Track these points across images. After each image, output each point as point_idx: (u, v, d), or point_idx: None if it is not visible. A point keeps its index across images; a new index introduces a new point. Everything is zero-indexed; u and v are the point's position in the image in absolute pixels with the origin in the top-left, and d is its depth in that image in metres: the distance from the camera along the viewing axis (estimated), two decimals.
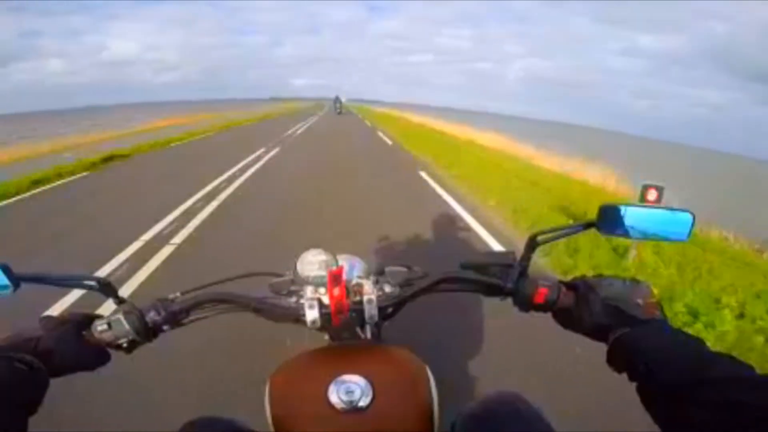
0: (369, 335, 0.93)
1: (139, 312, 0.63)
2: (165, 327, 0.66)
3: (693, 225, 0.60)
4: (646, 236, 0.61)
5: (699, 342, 0.51)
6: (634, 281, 0.62)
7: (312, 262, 0.70)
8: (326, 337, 0.83)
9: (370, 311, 0.69)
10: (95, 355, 0.62)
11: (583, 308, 0.62)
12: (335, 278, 0.66)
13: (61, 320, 0.61)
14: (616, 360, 0.56)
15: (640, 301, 0.59)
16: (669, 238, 0.61)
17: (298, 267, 0.70)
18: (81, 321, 0.62)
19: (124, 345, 0.63)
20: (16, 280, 0.56)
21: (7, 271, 0.55)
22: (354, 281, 0.74)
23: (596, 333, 0.61)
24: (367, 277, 0.79)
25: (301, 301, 0.70)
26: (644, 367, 0.50)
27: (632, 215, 0.60)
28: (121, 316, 0.61)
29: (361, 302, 0.70)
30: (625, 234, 0.61)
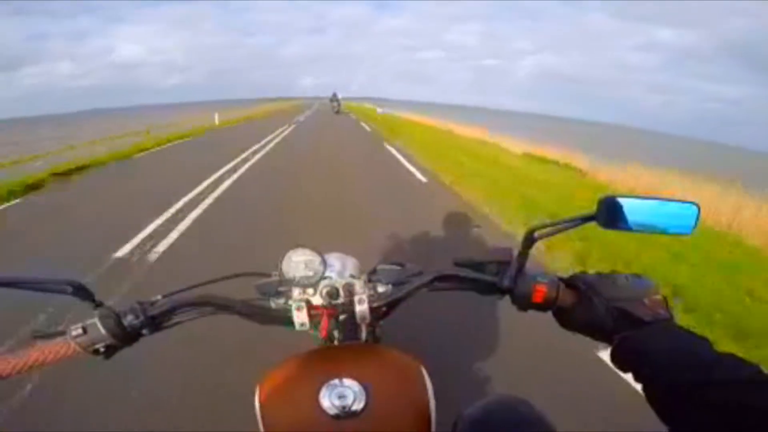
0: (364, 335, 0.90)
1: (116, 315, 0.61)
2: (145, 331, 0.63)
3: (698, 217, 0.57)
4: (647, 229, 0.58)
5: (705, 342, 0.50)
6: (637, 277, 0.60)
7: (298, 262, 0.67)
8: (318, 340, 0.80)
9: (362, 312, 0.67)
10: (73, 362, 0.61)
11: (585, 309, 0.60)
12: (323, 279, 0.64)
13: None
14: (621, 361, 0.54)
15: (645, 300, 0.56)
16: (672, 232, 0.58)
17: (283, 267, 0.67)
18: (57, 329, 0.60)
19: (101, 350, 0.61)
20: None
21: None
22: (344, 281, 0.71)
23: (600, 335, 0.59)
24: (359, 276, 0.76)
25: (290, 302, 0.68)
26: (649, 368, 0.50)
27: (632, 207, 0.57)
28: (97, 321, 0.59)
29: (352, 303, 0.67)
30: (626, 227, 0.57)
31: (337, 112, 27.42)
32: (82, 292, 0.60)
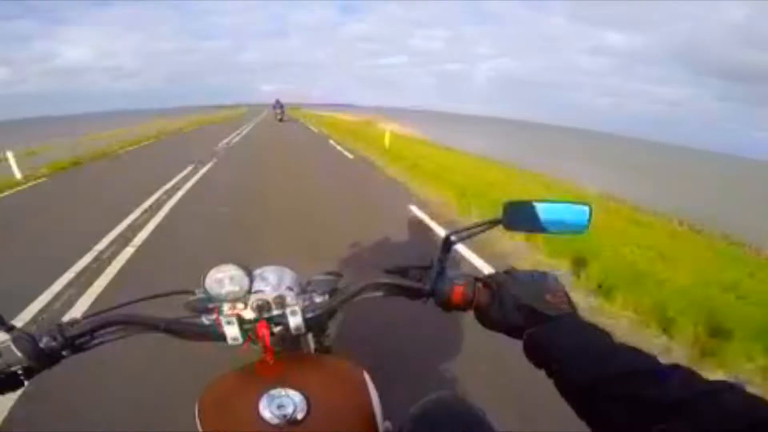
0: (312, 346, 0.91)
1: (30, 338, 0.59)
2: (64, 352, 0.61)
3: (590, 217, 0.62)
4: (548, 230, 0.63)
5: (605, 335, 0.52)
6: (542, 274, 0.64)
7: (221, 279, 0.67)
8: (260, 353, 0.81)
9: (296, 323, 0.68)
10: None
11: (498, 307, 0.62)
12: (254, 293, 0.65)
13: None
14: (531, 356, 0.56)
15: (548, 296, 0.60)
16: (570, 231, 0.63)
17: (206, 285, 0.67)
18: None
19: (19, 372, 0.59)
20: None
21: None
22: (275, 294, 0.72)
23: (513, 332, 0.61)
24: (296, 287, 0.77)
25: (220, 317, 0.67)
26: (557, 363, 0.51)
27: (534, 210, 0.62)
28: (10, 343, 0.57)
29: (284, 315, 0.68)
30: (529, 228, 0.62)
31: (281, 120, 26.65)
32: None
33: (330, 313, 0.73)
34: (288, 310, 0.68)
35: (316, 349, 0.92)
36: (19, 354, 0.57)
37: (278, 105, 27.39)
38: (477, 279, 0.68)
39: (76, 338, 0.62)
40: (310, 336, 0.91)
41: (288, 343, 0.81)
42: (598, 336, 0.52)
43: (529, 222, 0.62)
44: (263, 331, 0.68)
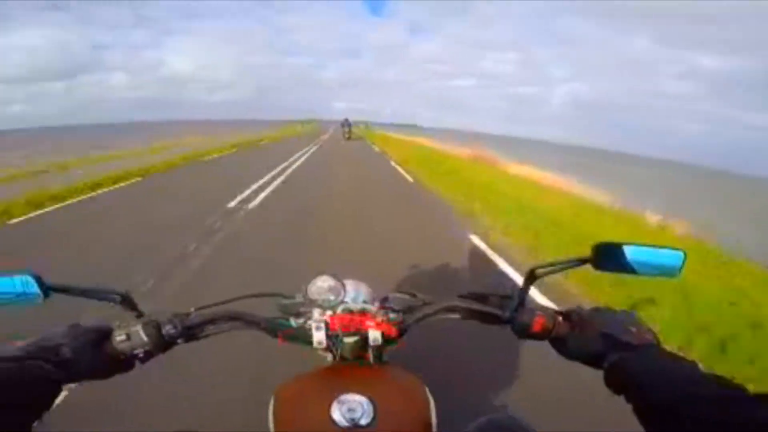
0: (371, 358, 0.96)
1: (157, 324, 0.66)
2: (179, 340, 0.68)
3: (684, 262, 0.61)
4: (638, 273, 0.63)
5: (691, 364, 0.52)
6: (625, 312, 0.65)
7: (321, 287, 0.75)
8: (329, 358, 0.85)
9: (374, 335, 0.72)
10: (112, 366, 0.64)
11: (578, 337, 0.65)
12: (342, 303, 0.70)
13: (86, 329, 0.63)
14: (613, 384, 0.57)
15: (633, 329, 0.61)
16: (661, 275, 0.63)
17: (309, 291, 0.74)
18: (104, 331, 0.64)
19: (140, 356, 0.65)
20: (46, 290, 0.59)
21: (38, 281, 0.59)
22: (360, 306, 0.77)
23: (592, 360, 0.62)
24: (370, 300, 0.82)
25: (309, 322, 0.74)
26: (639, 388, 0.52)
27: (624, 253, 0.62)
28: (140, 328, 0.64)
29: (365, 327, 0.73)
30: (619, 270, 0.62)
31: (348, 138, 26.66)
32: (127, 302, 0.67)
33: (404, 330, 0.77)
34: (369, 324, 0.73)
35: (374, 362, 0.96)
36: (145, 338, 0.64)
37: (347, 123, 27.97)
38: (557, 312, 0.70)
39: (191, 328, 0.69)
40: (372, 348, 0.95)
41: (354, 352, 0.86)
42: (684, 362, 0.53)
43: (619, 263, 0.62)
44: (343, 339, 0.74)
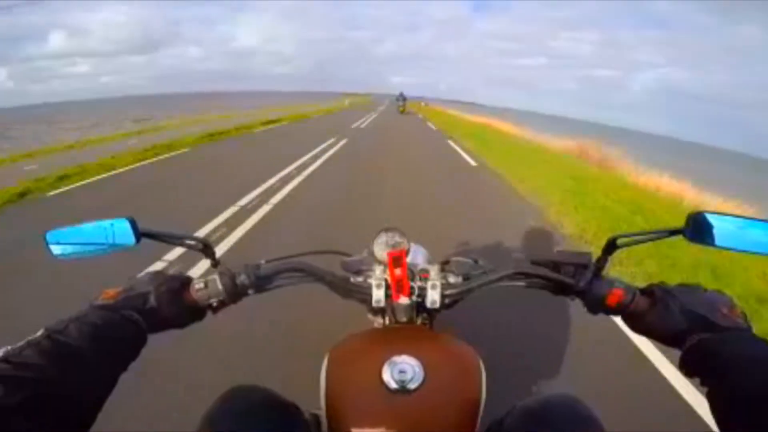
0: (422, 323, 0.95)
1: (232, 274, 0.67)
2: (250, 291, 0.69)
3: None
4: (733, 247, 0.58)
5: None
6: (717, 292, 0.60)
7: (386, 243, 0.73)
8: (379, 320, 0.84)
9: (433, 297, 0.70)
10: (189, 314, 0.66)
11: (659, 313, 0.60)
12: (396, 259, 0.67)
13: (169, 277, 0.64)
14: (690, 364, 0.54)
15: (725, 310, 0.56)
16: (757, 251, 0.57)
17: (374, 247, 0.73)
18: (183, 280, 0.66)
19: (214, 305, 0.67)
20: (139, 235, 0.62)
21: (134, 226, 0.62)
22: (421, 267, 0.76)
23: (671, 338, 0.59)
24: (428, 264, 0.79)
25: (369, 280, 0.73)
26: (721, 372, 0.49)
27: (720, 225, 0.57)
28: (216, 277, 0.66)
29: (425, 288, 0.71)
30: (712, 243, 0.57)
31: (403, 110, 26.27)
32: (208, 250, 0.69)
33: (464, 295, 0.73)
34: (429, 284, 0.70)
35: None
36: (220, 287, 0.66)
37: (401, 98, 27.82)
38: (637, 288, 0.65)
39: (262, 279, 0.70)
40: (424, 313, 0.94)
41: (407, 315, 0.83)
42: None
43: (713, 235, 0.57)
44: (400, 298, 0.71)
